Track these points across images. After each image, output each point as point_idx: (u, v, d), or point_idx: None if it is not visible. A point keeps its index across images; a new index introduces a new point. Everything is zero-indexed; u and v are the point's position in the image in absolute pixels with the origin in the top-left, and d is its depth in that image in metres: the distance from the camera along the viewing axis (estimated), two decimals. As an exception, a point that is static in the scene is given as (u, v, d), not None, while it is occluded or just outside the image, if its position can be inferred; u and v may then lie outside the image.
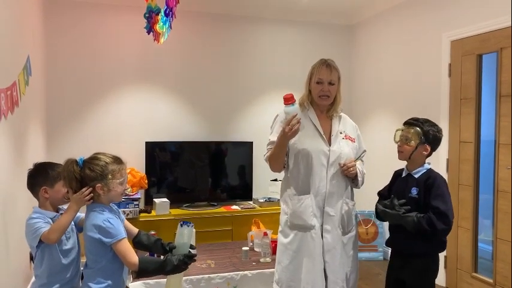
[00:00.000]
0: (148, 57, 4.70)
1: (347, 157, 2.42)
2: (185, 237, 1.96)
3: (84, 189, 1.91)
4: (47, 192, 2.09)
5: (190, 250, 1.96)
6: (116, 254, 1.86)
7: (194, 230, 2.00)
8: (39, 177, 2.10)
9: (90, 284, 1.88)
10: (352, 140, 2.52)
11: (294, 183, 2.44)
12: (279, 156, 2.41)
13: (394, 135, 2.46)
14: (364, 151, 2.58)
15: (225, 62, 4.96)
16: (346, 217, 2.43)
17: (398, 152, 2.43)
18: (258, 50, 5.16)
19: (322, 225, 2.39)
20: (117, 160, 1.97)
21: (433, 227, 2.19)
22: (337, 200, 2.41)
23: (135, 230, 2.12)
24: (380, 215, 2.43)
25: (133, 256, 1.85)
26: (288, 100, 2.21)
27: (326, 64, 2.43)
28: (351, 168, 2.37)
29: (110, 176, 1.91)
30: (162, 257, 1.97)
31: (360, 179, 2.46)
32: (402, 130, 2.42)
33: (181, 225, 1.96)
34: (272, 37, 5.21)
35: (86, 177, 1.91)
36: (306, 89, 2.52)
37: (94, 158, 1.94)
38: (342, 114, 2.58)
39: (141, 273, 1.87)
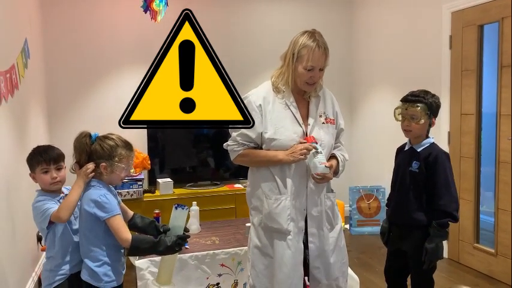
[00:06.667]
0: (147, 36, 4.65)
1: (327, 147, 2.15)
2: (179, 219, 1.97)
3: (89, 164, 1.93)
4: None
5: (184, 232, 1.96)
6: (108, 231, 1.87)
7: (189, 212, 2.01)
8: (33, 162, 2.11)
9: (87, 262, 1.90)
10: (332, 122, 2.21)
11: (270, 180, 2.15)
12: (261, 166, 2.20)
13: (394, 113, 2.39)
14: (342, 130, 2.30)
15: (222, 39, 4.90)
16: (330, 212, 2.20)
17: (406, 130, 2.35)
18: (255, 27, 5.10)
19: (305, 229, 2.13)
20: (128, 146, 2.00)
21: (451, 219, 2.26)
22: (318, 197, 2.14)
23: (131, 213, 2.12)
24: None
25: (126, 232, 1.86)
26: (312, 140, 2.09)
27: (320, 47, 2.01)
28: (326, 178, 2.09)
29: (116, 159, 1.94)
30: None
31: (340, 169, 2.21)
32: (406, 108, 2.32)
33: (176, 208, 1.98)
34: (270, 14, 5.14)
35: (94, 152, 1.94)
36: (289, 68, 2.08)
37: (107, 137, 1.98)
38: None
39: (132, 250, 1.86)
